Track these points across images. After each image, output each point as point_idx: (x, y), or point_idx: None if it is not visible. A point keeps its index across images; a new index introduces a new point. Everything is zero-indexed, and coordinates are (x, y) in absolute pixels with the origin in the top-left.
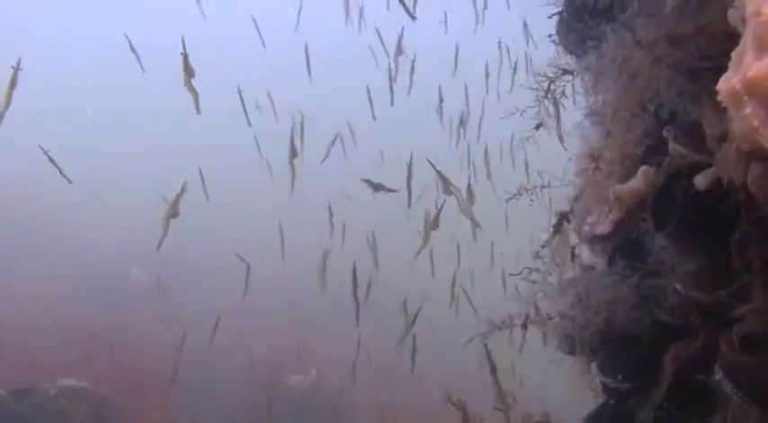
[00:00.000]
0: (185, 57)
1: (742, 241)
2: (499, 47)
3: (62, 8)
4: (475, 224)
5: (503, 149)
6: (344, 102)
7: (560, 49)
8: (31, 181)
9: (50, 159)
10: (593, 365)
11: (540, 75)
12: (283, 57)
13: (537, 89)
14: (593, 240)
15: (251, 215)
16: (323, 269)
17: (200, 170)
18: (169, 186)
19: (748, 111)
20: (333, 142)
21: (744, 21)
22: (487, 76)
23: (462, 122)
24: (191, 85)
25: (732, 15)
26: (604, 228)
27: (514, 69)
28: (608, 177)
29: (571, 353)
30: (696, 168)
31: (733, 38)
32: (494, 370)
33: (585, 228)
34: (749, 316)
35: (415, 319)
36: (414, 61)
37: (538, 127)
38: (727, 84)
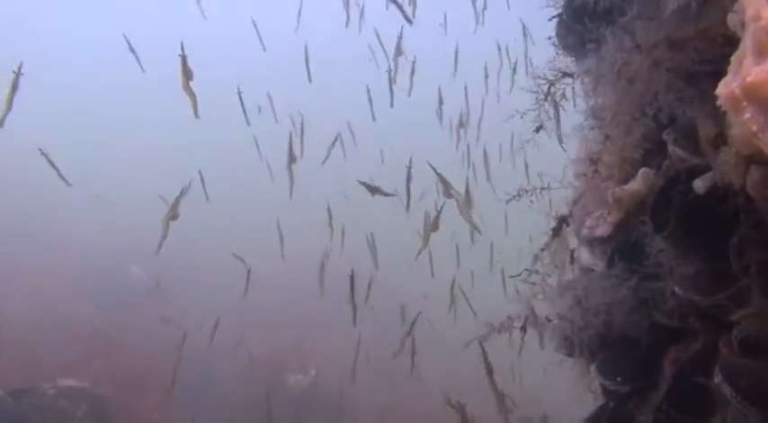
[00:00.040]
0: (184, 59)
1: (741, 245)
2: (498, 49)
3: (62, 8)
4: (474, 228)
5: (502, 150)
6: (344, 102)
7: (560, 50)
8: (31, 179)
9: (50, 162)
10: (593, 367)
11: (540, 77)
12: (283, 57)
13: (537, 92)
14: (593, 242)
15: (250, 214)
16: (322, 271)
17: (200, 171)
18: (169, 185)
19: (747, 115)
20: (333, 144)
21: (743, 25)
22: (487, 76)
23: (462, 123)
24: (189, 88)
25: (732, 19)
26: (604, 230)
27: (514, 70)
28: (607, 181)
29: (570, 355)
30: (695, 171)
31: (732, 42)
32: (490, 372)
33: (585, 230)
34: (747, 320)
35: (413, 324)
36: (414, 62)
37: (538, 130)
38: (726, 88)
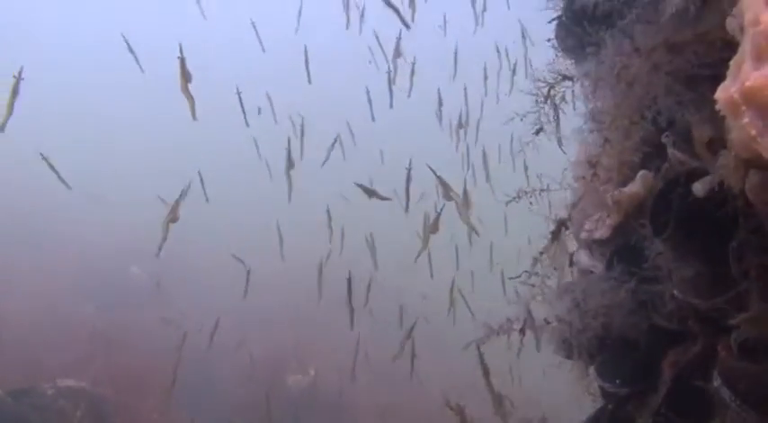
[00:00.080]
0: (182, 61)
1: (740, 248)
2: (497, 50)
3: (62, 9)
4: (471, 229)
5: (502, 151)
6: (344, 102)
7: (559, 53)
8: (31, 180)
9: (50, 166)
10: (592, 370)
11: (539, 80)
12: (283, 58)
13: (536, 94)
14: (592, 245)
15: (250, 215)
16: (320, 274)
17: (200, 172)
18: (168, 185)
19: (746, 120)
20: (332, 145)
21: (742, 29)
22: (486, 78)
23: (461, 124)
24: (187, 90)
25: (730, 24)
26: (603, 232)
27: (513, 71)
28: (606, 184)
29: (569, 357)
30: (694, 174)
31: (731, 46)
32: (486, 373)
33: (584, 233)
34: (746, 323)
35: (412, 329)
36: (414, 64)
37: (538, 132)
38: (725, 93)
